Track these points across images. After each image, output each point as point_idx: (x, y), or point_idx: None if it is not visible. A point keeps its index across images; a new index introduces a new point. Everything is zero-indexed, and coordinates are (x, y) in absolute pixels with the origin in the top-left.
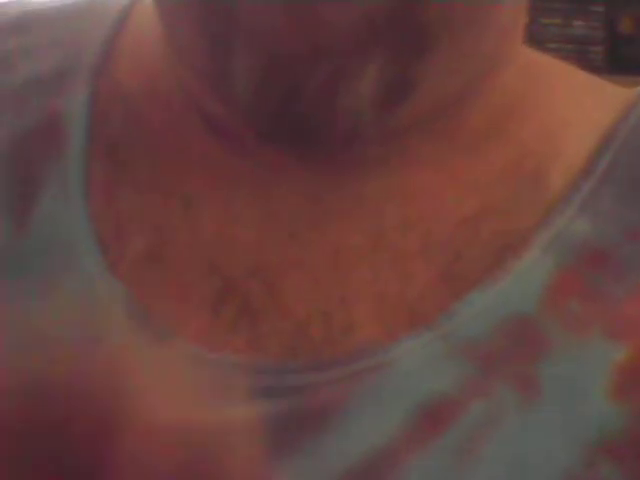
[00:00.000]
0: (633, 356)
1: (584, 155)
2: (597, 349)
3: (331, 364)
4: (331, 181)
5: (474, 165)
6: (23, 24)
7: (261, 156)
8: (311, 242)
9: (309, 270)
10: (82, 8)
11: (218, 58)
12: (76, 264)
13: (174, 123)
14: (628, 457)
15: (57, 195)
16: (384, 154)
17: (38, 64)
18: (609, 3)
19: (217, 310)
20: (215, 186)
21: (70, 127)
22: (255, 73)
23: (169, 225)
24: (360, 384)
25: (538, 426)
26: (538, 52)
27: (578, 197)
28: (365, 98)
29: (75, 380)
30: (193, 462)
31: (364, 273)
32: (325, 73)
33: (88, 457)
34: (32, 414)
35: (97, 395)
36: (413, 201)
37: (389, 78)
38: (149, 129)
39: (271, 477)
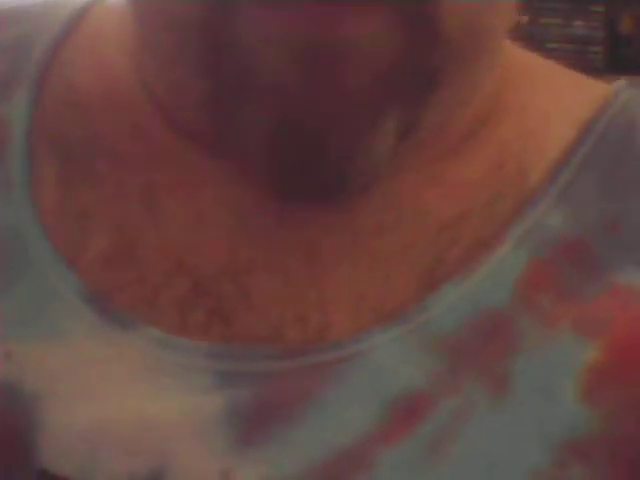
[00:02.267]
0: (603, 357)
1: (563, 147)
2: (567, 348)
3: (302, 353)
4: (321, 205)
5: (456, 168)
6: None
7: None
8: (284, 242)
9: (281, 271)
10: (36, 10)
11: (223, 112)
12: (28, 261)
13: (133, 125)
14: (597, 458)
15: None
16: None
17: None
18: (609, 3)
19: (187, 311)
20: (180, 184)
21: (11, 131)
22: (268, 135)
23: (132, 224)
24: (331, 375)
25: (508, 424)
26: (517, 48)
27: (554, 189)
28: (382, 151)
29: (31, 379)
30: (149, 455)
31: (341, 276)
32: (345, 134)
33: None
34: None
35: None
36: (394, 205)
37: (402, 125)
38: (106, 131)
39: (235, 469)
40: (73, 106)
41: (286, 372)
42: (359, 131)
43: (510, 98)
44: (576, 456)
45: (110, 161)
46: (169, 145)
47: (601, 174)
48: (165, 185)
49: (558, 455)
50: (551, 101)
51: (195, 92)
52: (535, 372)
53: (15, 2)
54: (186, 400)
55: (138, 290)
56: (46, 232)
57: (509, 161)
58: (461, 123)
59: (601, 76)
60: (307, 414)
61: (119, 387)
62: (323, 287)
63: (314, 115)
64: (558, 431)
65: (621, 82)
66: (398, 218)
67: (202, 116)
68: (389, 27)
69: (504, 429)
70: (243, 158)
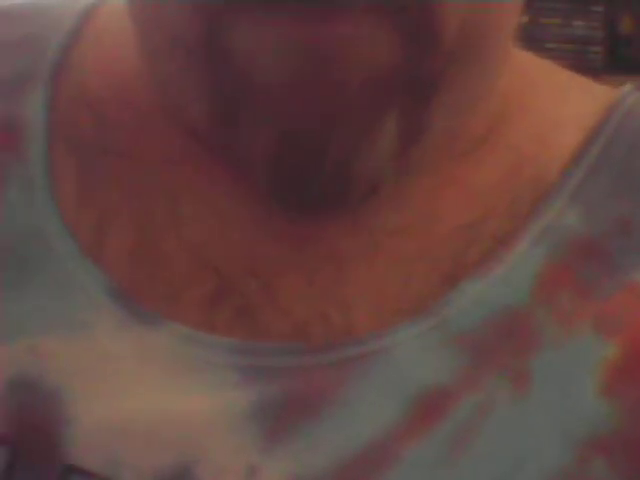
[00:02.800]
0: (622, 353)
1: (574, 148)
2: (587, 345)
3: (326, 348)
4: (325, 216)
5: (472, 172)
6: (8, 20)
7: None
8: (307, 243)
9: (305, 270)
10: (46, 7)
11: (229, 123)
12: (50, 257)
13: (150, 125)
14: (618, 453)
15: (19, 194)
16: (385, 182)
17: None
18: (609, 3)
19: (213, 309)
20: (197, 184)
21: (29, 129)
22: (271, 142)
23: (153, 222)
24: (355, 370)
25: (529, 420)
26: (521, 50)
27: (568, 188)
28: (383, 156)
29: (55, 372)
30: (175, 450)
31: (362, 275)
32: (344, 139)
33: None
34: (16, 413)
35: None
36: (411, 208)
37: (404, 129)
38: (123, 130)
39: (261, 465)
40: (87, 106)
41: (311, 368)
42: (358, 133)
43: (519, 101)
44: (596, 452)
45: (127, 160)
46: (184, 145)
47: (612, 175)
48: (183, 184)
49: (579, 451)
50: (558, 106)
51: (202, 106)
52: (555, 369)
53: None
54: (212, 396)
55: (163, 287)
56: (69, 229)
57: (526, 165)
58: (475, 126)
59: (601, 76)
60: (331, 410)
61: (144, 383)
62: (345, 286)
63: (313, 118)
64: (578, 427)
65: (627, 86)
66: (415, 220)
67: (206, 126)
68: (387, 29)
69: (525, 425)
70: (246, 166)
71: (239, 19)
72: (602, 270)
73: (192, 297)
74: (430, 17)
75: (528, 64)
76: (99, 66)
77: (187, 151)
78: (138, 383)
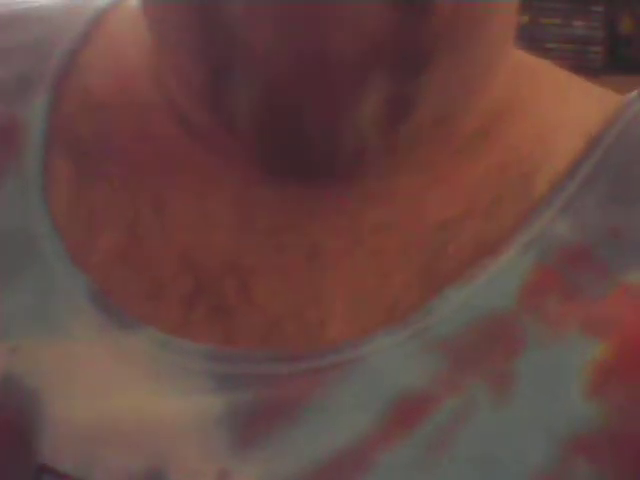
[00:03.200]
0: (610, 354)
1: (571, 158)
2: (574, 346)
3: (302, 356)
4: (312, 184)
5: (460, 170)
6: (5, 23)
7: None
8: (288, 242)
9: (283, 270)
10: (54, 11)
11: (218, 87)
12: (37, 258)
13: (145, 128)
14: (603, 454)
15: (14, 193)
16: (373, 161)
17: (5, 69)
18: (609, 3)
19: (189, 308)
20: (188, 185)
21: (28, 132)
22: (256, 103)
23: (139, 223)
24: (331, 378)
25: (511, 423)
26: (525, 52)
27: (561, 199)
28: (369, 122)
29: (35, 373)
30: (147, 453)
31: (339, 272)
32: (329, 100)
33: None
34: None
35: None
36: (394, 203)
37: (390, 98)
38: (119, 135)
39: (233, 469)
40: (89, 109)
41: (286, 376)
42: (343, 99)
43: (519, 101)
44: (581, 453)
45: (120, 161)
46: (179, 145)
47: (607, 185)
48: (174, 185)
49: (562, 452)
50: (561, 109)
51: (195, 72)
52: (540, 371)
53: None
54: (186, 401)
55: (143, 288)
56: (57, 231)
57: (512, 164)
58: (470, 123)
59: (601, 76)
60: (306, 416)
61: (119, 386)
62: (321, 283)
63: (300, 83)
64: (563, 428)
65: (634, 93)
66: (398, 217)
67: (202, 99)
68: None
69: (507, 428)
70: (235, 134)
71: None
72: (592, 273)
73: (171, 297)
74: None
75: (533, 66)
76: (105, 71)
77: (181, 152)
78: (114, 387)
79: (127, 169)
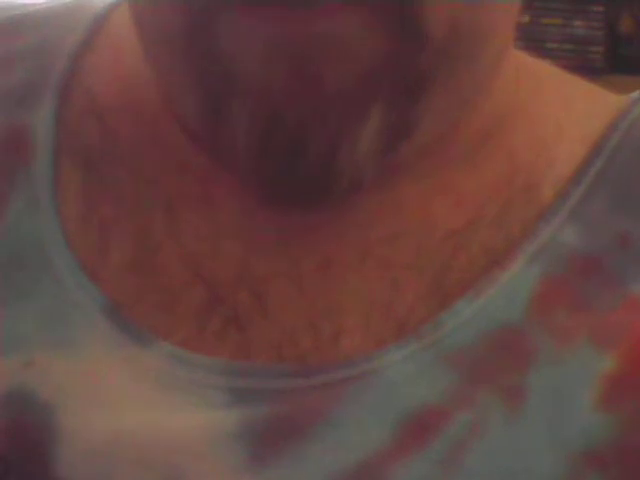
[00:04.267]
0: (620, 366)
1: (574, 164)
2: (584, 358)
3: (316, 371)
4: (312, 209)
5: (466, 178)
6: (7, 29)
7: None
8: (298, 253)
9: (295, 281)
10: (57, 13)
11: (213, 121)
12: (49, 271)
13: (153, 135)
14: (614, 466)
15: (25, 206)
16: (373, 180)
17: (10, 76)
18: (609, 3)
19: (204, 320)
20: (197, 194)
21: (37, 140)
22: (252, 137)
23: (152, 234)
24: (345, 392)
25: (523, 436)
26: (530, 56)
27: (566, 206)
28: (367, 151)
29: (49, 388)
30: (163, 469)
31: (352, 284)
32: (327, 133)
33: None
34: (10, 427)
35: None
36: (402, 214)
37: (390, 126)
38: (128, 141)
39: None
40: (95, 116)
41: (301, 390)
42: (340, 127)
43: (522, 106)
44: (592, 465)
45: (130, 170)
46: (186, 154)
47: (613, 191)
48: (183, 195)
49: (574, 465)
50: (564, 112)
51: (190, 101)
52: (551, 384)
53: (29, 3)
54: (201, 416)
55: (156, 300)
56: (69, 243)
57: (519, 173)
58: (470, 130)
59: (601, 76)
60: (321, 431)
61: (134, 402)
62: (333, 295)
63: (297, 113)
64: (574, 440)
65: (636, 94)
66: (406, 227)
67: (200, 124)
68: (370, 26)
69: (519, 441)
70: (233, 160)
71: (222, 18)
72: (600, 284)
73: (184, 309)
74: (415, 14)
75: (534, 70)
76: (109, 75)
77: (187, 161)
78: (128, 402)
79: (136, 178)
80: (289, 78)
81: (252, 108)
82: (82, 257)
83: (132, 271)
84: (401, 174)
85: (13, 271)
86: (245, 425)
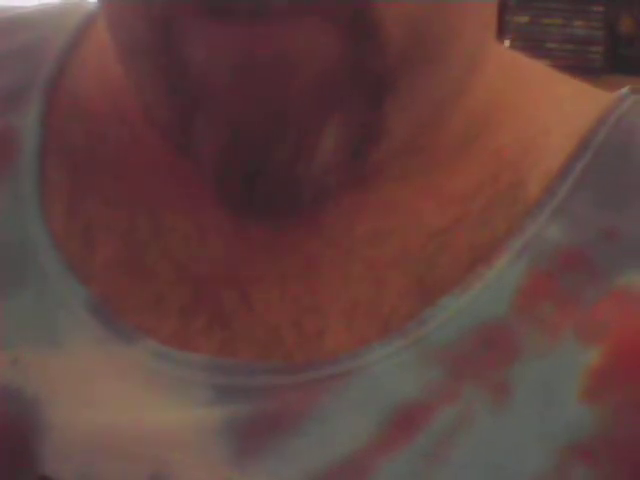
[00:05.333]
0: (605, 359)
1: (561, 160)
2: (569, 352)
3: (301, 368)
4: (308, 210)
5: (452, 177)
6: (2, 29)
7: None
8: (282, 252)
9: (279, 280)
10: (46, 16)
11: (183, 127)
12: (35, 270)
13: (137, 137)
14: (601, 459)
15: (11, 204)
16: (357, 178)
17: None
18: (609, 3)
19: (188, 317)
20: (182, 197)
21: (23, 141)
22: (218, 147)
23: (136, 234)
24: (330, 389)
25: (509, 430)
26: (519, 55)
27: (552, 203)
28: (329, 159)
29: (35, 385)
30: (147, 464)
31: (336, 282)
32: (286, 142)
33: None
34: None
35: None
36: (386, 214)
37: (352, 132)
38: (112, 143)
39: None
40: (80, 118)
41: (285, 387)
42: (301, 133)
43: (510, 106)
44: (579, 458)
45: (115, 171)
46: (169, 156)
47: (599, 185)
48: (167, 195)
49: (560, 458)
50: (552, 111)
51: (160, 109)
52: (536, 378)
53: (17, 3)
54: (185, 412)
55: (141, 297)
56: (55, 243)
57: (505, 171)
58: (454, 130)
59: (601, 76)
60: (306, 427)
61: (119, 398)
62: (318, 293)
63: (257, 119)
64: (560, 433)
65: (624, 89)
66: (392, 227)
67: (170, 132)
68: (327, 32)
69: (505, 435)
70: (205, 171)
71: (186, 27)
72: (586, 278)
73: (169, 306)
74: (369, 17)
75: (523, 68)
76: (95, 77)
77: (170, 163)
78: (113, 398)
79: (121, 179)
80: (251, 90)
81: (215, 119)
82: (67, 255)
83: (117, 269)
84: (385, 174)
85: (1, 271)
86: (230, 421)
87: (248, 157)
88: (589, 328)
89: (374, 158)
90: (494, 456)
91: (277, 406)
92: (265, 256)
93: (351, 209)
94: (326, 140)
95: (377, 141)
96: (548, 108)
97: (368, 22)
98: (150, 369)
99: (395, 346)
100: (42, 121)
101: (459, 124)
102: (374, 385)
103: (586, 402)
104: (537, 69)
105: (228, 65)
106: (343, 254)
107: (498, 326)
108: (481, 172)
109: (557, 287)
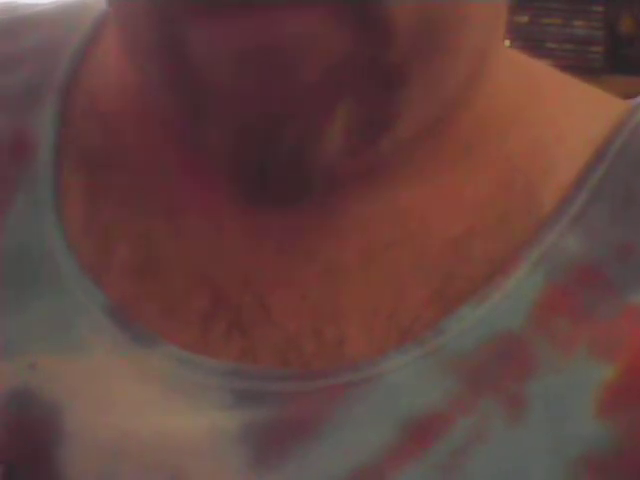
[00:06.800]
0: (620, 375)
1: (576, 171)
2: (584, 368)
3: (319, 375)
4: (322, 201)
5: (464, 184)
6: (12, 29)
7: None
8: (301, 258)
9: (298, 286)
10: (60, 14)
11: (191, 122)
12: (52, 274)
13: (152, 138)
14: (614, 474)
15: (27, 208)
16: (370, 175)
17: (14, 76)
18: (609, 3)
19: (208, 323)
20: (200, 199)
21: (39, 142)
22: (227, 139)
23: (154, 237)
24: (347, 396)
25: (524, 443)
26: (528, 57)
27: (569, 213)
28: (339, 146)
29: (54, 389)
30: (166, 470)
31: (355, 289)
32: (295, 130)
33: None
34: (15, 428)
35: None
36: (402, 220)
37: (362, 120)
38: (128, 144)
39: None
40: (97, 117)
41: (303, 393)
42: (309, 125)
43: (521, 109)
44: (591, 473)
45: (133, 173)
46: (183, 159)
47: (614, 198)
48: (186, 198)
49: (573, 472)
50: (565, 117)
51: (169, 108)
52: (551, 392)
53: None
54: (204, 418)
55: (160, 303)
56: (72, 246)
57: (518, 179)
58: (464, 130)
59: (601, 76)
60: (323, 434)
61: (138, 403)
62: (337, 301)
63: (267, 111)
64: (574, 448)
65: (639, 99)
66: (409, 233)
67: (180, 129)
68: (335, 24)
69: (520, 448)
70: (217, 162)
71: (189, 27)
72: (601, 294)
73: (188, 312)
74: (379, 10)
75: (534, 72)
76: (112, 76)
77: (186, 164)
78: (132, 403)
79: (139, 180)
80: (257, 80)
81: (224, 112)
82: (85, 259)
83: (135, 273)
84: (395, 178)
85: (16, 273)
86: (248, 427)
87: (258, 145)
88: (603, 344)
89: (384, 147)
90: (509, 468)
91: (295, 412)
92: (283, 260)
93: (366, 216)
94: (336, 125)
95: (387, 127)
96: (560, 112)
97: (376, 15)
98: (169, 374)
99: (412, 355)
100: (58, 122)
101: (468, 122)
102: (391, 393)
103: (600, 418)
104: (545, 71)
105: (231, 57)
106: (361, 260)
107: (515, 339)
108: (494, 179)
109: (572, 302)
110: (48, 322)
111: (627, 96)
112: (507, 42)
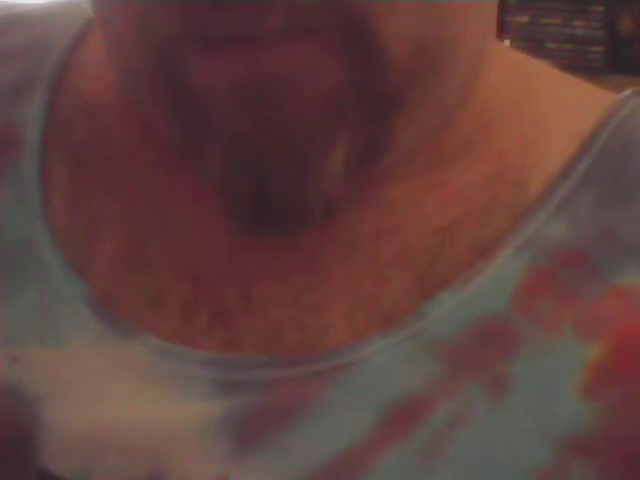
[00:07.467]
0: (606, 355)
1: (564, 160)
2: (569, 347)
3: (300, 361)
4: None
5: (455, 176)
6: (4, 27)
7: None
8: (284, 249)
9: (281, 276)
10: (51, 13)
11: (188, 150)
12: (37, 266)
13: (142, 133)
14: (600, 454)
15: (13, 201)
16: (364, 182)
17: (4, 72)
18: (609, 3)
19: (190, 314)
20: (185, 194)
21: (26, 136)
22: (225, 169)
23: (139, 229)
24: (329, 382)
25: (508, 425)
26: (523, 54)
27: (554, 201)
28: (337, 176)
29: (35, 382)
30: (147, 459)
31: (338, 280)
32: (294, 163)
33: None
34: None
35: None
36: (389, 211)
37: (360, 147)
38: (117, 139)
39: (232, 475)
40: (85, 113)
41: (284, 380)
42: (307, 159)
43: (513, 106)
44: (576, 454)
45: (119, 168)
46: (169, 154)
47: (601, 186)
48: (171, 192)
49: (558, 453)
50: (555, 111)
51: (163, 130)
52: (535, 373)
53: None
54: (184, 407)
55: (143, 294)
56: (57, 238)
57: (507, 171)
58: (457, 130)
59: (601, 76)
60: (304, 421)
61: (119, 393)
62: (319, 291)
63: (265, 144)
64: (558, 429)
65: (627, 92)
66: (395, 224)
67: (176, 152)
68: (329, 56)
69: (503, 430)
70: (213, 189)
71: (187, 60)
72: (586, 276)
73: (171, 303)
74: (370, 40)
75: (529, 69)
76: (101, 72)
77: (172, 160)
78: (113, 393)
79: (125, 175)
80: (254, 113)
81: (221, 142)
82: (69, 252)
83: (119, 266)
84: (388, 174)
85: (2, 268)
86: (229, 415)
87: (256, 178)
88: (589, 324)
89: (382, 165)
90: (492, 451)
91: (276, 399)
92: (266, 253)
93: (354, 207)
94: (334, 157)
95: (385, 152)
96: (551, 109)
97: (370, 45)
98: (149, 364)
99: (394, 339)
100: (45, 116)
101: (464, 125)
102: (373, 378)
103: (585, 397)
104: (541, 69)
105: (230, 89)
106: (345, 252)
107: (497, 321)
108: (483, 171)
109: (557, 284)
110: (32, 314)
111: None
112: (507, 42)
